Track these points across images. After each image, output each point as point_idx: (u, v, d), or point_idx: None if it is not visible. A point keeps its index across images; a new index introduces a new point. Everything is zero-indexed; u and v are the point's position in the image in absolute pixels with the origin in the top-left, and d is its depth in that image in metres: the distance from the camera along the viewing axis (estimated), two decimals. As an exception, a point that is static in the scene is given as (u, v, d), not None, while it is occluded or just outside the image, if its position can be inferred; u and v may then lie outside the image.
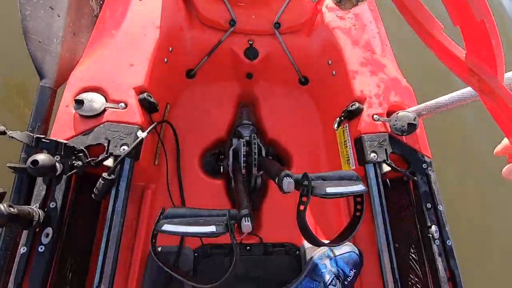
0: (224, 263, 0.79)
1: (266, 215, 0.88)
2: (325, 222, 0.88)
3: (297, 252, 0.83)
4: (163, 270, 0.76)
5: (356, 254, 0.78)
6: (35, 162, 0.55)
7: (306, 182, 0.52)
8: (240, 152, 0.82)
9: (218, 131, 0.94)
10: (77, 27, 0.78)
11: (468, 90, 0.65)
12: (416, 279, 0.75)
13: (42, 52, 0.68)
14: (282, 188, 0.53)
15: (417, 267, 0.75)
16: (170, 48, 0.81)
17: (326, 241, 0.59)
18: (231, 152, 0.83)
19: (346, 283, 0.75)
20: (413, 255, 0.76)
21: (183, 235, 0.54)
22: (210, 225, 0.47)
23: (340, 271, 0.75)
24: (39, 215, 0.56)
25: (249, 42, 0.89)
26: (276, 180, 0.56)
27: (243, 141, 0.87)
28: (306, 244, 0.84)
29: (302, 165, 0.93)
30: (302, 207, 0.53)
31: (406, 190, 0.78)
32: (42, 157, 0.56)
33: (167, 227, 0.48)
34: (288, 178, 0.52)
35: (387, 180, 0.80)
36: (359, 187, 0.55)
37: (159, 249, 0.78)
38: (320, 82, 0.94)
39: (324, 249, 0.78)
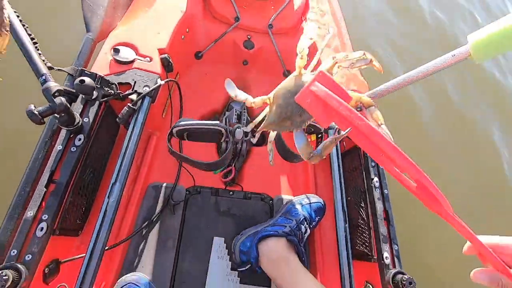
0: (210, 200, 0.95)
1: (247, 172, 1.07)
2: (294, 177, 1.08)
3: (271, 201, 1.01)
4: (158, 201, 0.92)
5: (322, 204, 0.97)
6: (82, 80, 0.73)
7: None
8: (232, 120, 1.03)
9: (215, 103, 1.16)
10: (117, 3, 1.00)
11: (395, 81, 0.90)
12: (361, 221, 0.95)
13: (91, 12, 0.89)
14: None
15: (362, 212, 0.95)
16: (187, 29, 1.04)
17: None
18: (224, 120, 1.04)
19: (311, 226, 0.93)
20: (361, 204, 0.97)
21: (195, 127, 0.67)
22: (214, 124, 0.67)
23: (308, 215, 0.92)
24: (78, 121, 0.73)
25: (248, 36, 1.15)
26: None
27: (235, 112, 1.08)
28: (276, 197, 1.02)
29: (280, 136, 1.15)
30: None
31: (358, 155, 1.01)
32: (87, 79, 0.75)
33: (182, 122, 0.66)
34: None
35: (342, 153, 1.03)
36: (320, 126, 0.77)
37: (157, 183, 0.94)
38: (299, 74, 1.19)
39: (297, 198, 0.96)
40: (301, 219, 0.90)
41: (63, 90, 0.67)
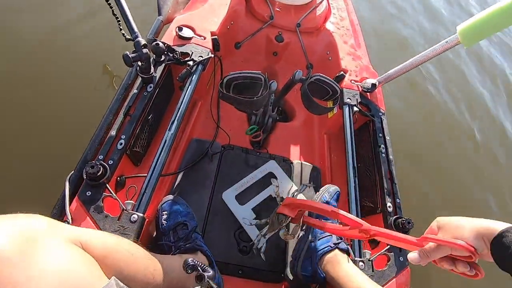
0: (241, 156, 1.14)
1: (272, 141, 1.26)
2: (311, 147, 1.26)
3: (291, 163, 1.18)
4: (199, 152, 1.11)
5: (339, 191, 0.99)
6: (157, 44, 0.97)
7: (309, 72, 0.93)
8: None
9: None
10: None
11: (400, 66, 1.10)
12: (368, 182, 1.10)
13: (163, 1, 1.16)
14: (295, 77, 0.94)
15: (369, 174, 1.11)
16: (232, 22, 1.30)
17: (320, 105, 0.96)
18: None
19: None
20: (368, 168, 1.13)
21: (241, 75, 0.88)
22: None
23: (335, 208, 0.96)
24: (151, 72, 0.96)
25: (279, 32, 1.39)
26: (291, 78, 0.97)
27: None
28: (295, 161, 1.19)
29: (301, 114, 1.35)
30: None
31: (367, 130, 1.18)
32: (161, 44, 0.98)
33: (232, 72, 0.87)
34: (298, 71, 0.93)
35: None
36: (337, 88, 0.97)
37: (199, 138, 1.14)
38: (320, 66, 1.41)
39: (320, 196, 0.96)
40: (335, 221, 0.90)
41: (148, 45, 0.91)
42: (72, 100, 1.47)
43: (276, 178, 1.10)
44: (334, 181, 1.20)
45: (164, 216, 0.88)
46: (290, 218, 0.86)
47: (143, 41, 0.89)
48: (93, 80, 1.58)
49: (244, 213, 1.01)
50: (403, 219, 0.91)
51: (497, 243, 0.45)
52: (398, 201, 1.00)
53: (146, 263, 0.63)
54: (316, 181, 1.17)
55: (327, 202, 0.98)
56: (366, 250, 0.93)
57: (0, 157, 1.26)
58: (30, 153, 1.29)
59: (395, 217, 0.95)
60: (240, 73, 0.87)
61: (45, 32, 1.62)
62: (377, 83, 1.18)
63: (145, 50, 0.88)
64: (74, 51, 1.62)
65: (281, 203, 0.89)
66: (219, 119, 1.22)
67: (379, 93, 1.23)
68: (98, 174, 0.76)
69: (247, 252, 0.96)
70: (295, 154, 1.25)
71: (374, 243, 1.02)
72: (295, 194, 1.03)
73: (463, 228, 0.50)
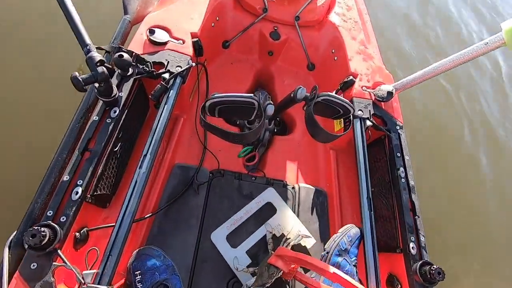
0: (233, 183, 0.96)
1: (270, 160, 1.07)
2: (315, 167, 1.08)
3: (293, 188, 1.00)
4: (182, 181, 0.93)
5: (362, 235, 0.83)
6: (121, 55, 0.76)
7: (315, 91, 0.74)
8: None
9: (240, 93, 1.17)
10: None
11: (424, 71, 0.90)
12: (385, 211, 0.93)
13: (129, -4, 0.93)
14: (297, 96, 0.74)
15: (386, 202, 0.94)
16: (217, 18, 1.07)
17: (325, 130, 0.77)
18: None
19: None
20: (385, 195, 0.96)
21: (228, 99, 0.69)
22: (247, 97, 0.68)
23: (355, 257, 0.80)
24: (114, 94, 0.76)
25: (274, 27, 1.17)
26: (292, 94, 0.77)
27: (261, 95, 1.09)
28: (298, 186, 1.02)
29: (303, 127, 1.15)
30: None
31: (383, 146, 1.00)
32: (125, 55, 0.77)
33: (216, 95, 0.67)
34: (301, 88, 0.74)
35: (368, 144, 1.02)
36: (350, 108, 0.77)
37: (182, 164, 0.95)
38: (324, 67, 1.20)
39: (337, 241, 0.80)
40: (355, 272, 0.78)
41: (105, 61, 0.70)
42: (19, 124, 1.20)
43: (275, 210, 0.93)
44: (344, 207, 1.03)
45: (138, 278, 0.71)
46: (282, 272, 0.70)
47: (97, 57, 0.68)
48: (53, 91, 1.32)
49: (237, 258, 0.84)
50: (433, 268, 0.75)
51: None
52: (423, 240, 0.83)
53: None
54: (323, 207, 1.00)
55: (346, 250, 0.81)
56: None
57: None
58: None
59: (421, 262, 0.78)
60: (227, 96, 0.67)
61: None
62: (393, 91, 0.98)
63: (101, 69, 0.67)
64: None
65: (273, 252, 0.73)
66: (206, 139, 1.03)
67: (395, 102, 1.03)
68: (43, 242, 0.58)
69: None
70: (296, 175, 1.07)
71: (391, 283, 0.87)
72: (290, 243, 0.86)
73: None
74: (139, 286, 0.70)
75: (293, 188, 1.01)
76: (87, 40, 0.69)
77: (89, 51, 0.68)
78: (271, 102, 0.70)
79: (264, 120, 0.69)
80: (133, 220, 0.70)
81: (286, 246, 0.81)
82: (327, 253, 0.79)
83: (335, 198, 1.04)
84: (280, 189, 0.98)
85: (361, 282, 0.76)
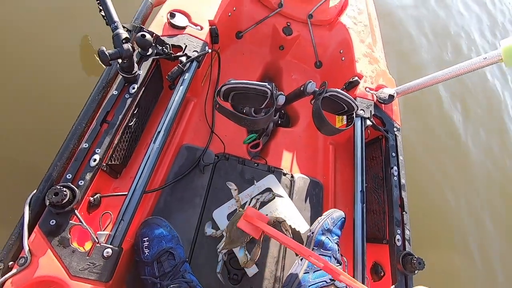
0: (236, 167, 1.01)
1: (272, 149, 1.13)
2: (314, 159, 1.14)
3: (292, 177, 1.06)
4: (189, 161, 0.98)
5: (344, 218, 0.91)
6: (143, 35, 0.80)
7: (324, 86, 0.79)
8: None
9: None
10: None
11: (424, 79, 0.96)
12: (376, 206, 1.00)
13: (153, -22, 0.97)
14: (306, 89, 0.79)
15: (378, 198, 1.01)
16: (234, 8, 1.11)
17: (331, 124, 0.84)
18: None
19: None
20: (377, 190, 1.02)
21: (244, 86, 0.73)
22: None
23: (337, 237, 0.88)
24: (135, 71, 0.80)
25: (287, 23, 1.21)
26: (302, 88, 0.82)
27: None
28: (296, 175, 1.07)
29: (306, 121, 1.21)
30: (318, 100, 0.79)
31: (379, 145, 1.06)
32: (147, 35, 0.81)
33: (232, 81, 0.72)
34: (311, 82, 0.79)
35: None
36: (355, 105, 0.83)
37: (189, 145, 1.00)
38: (331, 66, 1.26)
39: (321, 223, 0.88)
40: (336, 249, 0.85)
41: (130, 39, 0.74)
42: (39, 92, 1.21)
43: (274, 196, 0.99)
44: (338, 200, 1.09)
45: (146, 244, 0.76)
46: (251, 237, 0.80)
47: (124, 34, 0.72)
48: (68, 61, 1.35)
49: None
50: (414, 258, 0.82)
51: None
52: (408, 233, 0.90)
53: None
54: (318, 197, 1.06)
55: (329, 230, 0.88)
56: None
57: None
58: None
59: (404, 252, 0.85)
60: (242, 83, 0.72)
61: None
62: (395, 94, 1.04)
63: (126, 46, 0.72)
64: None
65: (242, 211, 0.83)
66: (214, 123, 1.07)
67: (395, 105, 1.09)
68: (64, 201, 0.63)
69: (238, 281, 0.87)
70: (296, 165, 1.13)
71: (376, 276, 0.94)
72: (257, 201, 0.94)
73: None
74: (146, 251, 0.75)
75: (292, 177, 1.06)
76: (115, 17, 0.72)
77: (116, 28, 0.72)
78: (282, 93, 0.76)
79: (274, 108, 0.74)
80: (144, 191, 0.75)
81: (284, 229, 0.87)
82: (312, 233, 0.86)
83: (330, 190, 1.10)
84: (279, 176, 1.04)
85: (340, 263, 0.83)
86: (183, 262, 0.75)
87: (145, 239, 0.76)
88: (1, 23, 1.29)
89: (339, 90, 0.81)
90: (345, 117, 0.97)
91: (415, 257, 0.82)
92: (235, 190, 0.95)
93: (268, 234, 0.74)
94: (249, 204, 0.95)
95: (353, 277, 0.82)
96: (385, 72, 1.15)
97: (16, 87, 1.22)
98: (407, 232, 0.90)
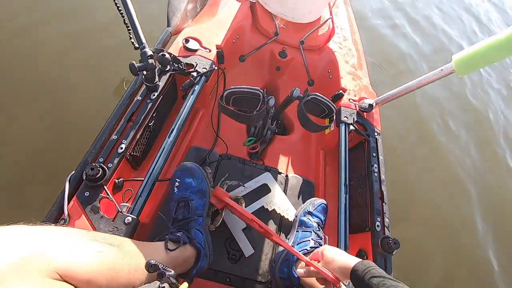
0: (237, 166, 1.17)
1: (269, 153, 1.29)
2: (307, 163, 1.29)
3: (286, 176, 1.21)
4: (197, 159, 1.15)
5: (325, 204, 1.06)
6: (164, 54, 1.02)
7: (306, 91, 0.97)
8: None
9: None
10: (189, 12, 1.34)
11: (398, 89, 1.13)
12: (360, 200, 1.12)
13: (173, 13, 1.22)
14: (293, 94, 0.98)
15: (361, 192, 1.13)
16: (237, 36, 1.35)
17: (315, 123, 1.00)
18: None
19: (322, 226, 1.05)
20: (361, 187, 1.15)
21: (241, 90, 0.92)
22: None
23: (318, 219, 1.02)
24: (156, 81, 1.00)
25: (283, 48, 1.44)
26: (289, 95, 1.00)
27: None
28: (290, 175, 1.22)
29: (299, 129, 1.38)
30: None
31: (362, 148, 1.21)
32: (167, 54, 1.03)
33: (232, 87, 0.91)
34: (296, 89, 0.97)
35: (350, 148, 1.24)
36: (333, 107, 1.00)
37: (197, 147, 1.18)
38: (321, 83, 1.45)
39: (303, 208, 1.03)
40: (316, 226, 0.98)
41: (154, 56, 0.95)
42: (83, 105, 1.54)
43: (269, 190, 1.13)
44: (327, 196, 1.22)
45: (176, 184, 0.89)
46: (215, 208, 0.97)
47: (149, 52, 0.93)
48: (106, 87, 1.64)
49: (235, 222, 1.04)
50: (390, 239, 0.93)
51: (353, 276, 0.63)
52: (387, 221, 1.01)
53: (129, 277, 0.58)
54: (310, 195, 1.19)
55: (310, 213, 1.01)
56: None
57: (11, 153, 1.32)
58: (40, 148, 1.37)
59: (382, 236, 0.97)
60: (240, 88, 0.91)
61: (69, 37, 1.71)
62: (374, 104, 1.21)
63: (150, 61, 0.93)
64: (92, 63, 1.70)
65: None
66: (219, 129, 1.26)
67: (376, 114, 1.26)
68: (97, 176, 0.80)
69: (236, 261, 0.99)
70: (290, 167, 1.28)
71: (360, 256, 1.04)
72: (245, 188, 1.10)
73: (334, 262, 0.70)
74: (175, 190, 0.89)
75: (286, 176, 1.21)
76: (143, 40, 0.94)
77: (143, 47, 0.94)
78: (272, 96, 0.94)
79: (266, 107, 0.92)
80: (156, 179, 0.91)
81: (240, 203, 1.02)
82: (296, 216, 1.01)
83: (321, 189, 1.23)
84: (275, 175, 1.19)
85: (320, 237, 0.95)
86: (197, 216, 0.83)
87: (178, 180, 0.89)
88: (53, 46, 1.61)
89: (318, 93, 0.99)
90: (328, 119, 1.14)
91: (391, 238, 0.93)
92: (210, 173, 1.09)
93: (228, 205, 0.94)
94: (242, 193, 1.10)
95: None
96: (367, 87, 1.33)
97: (61, 98, 1.47)
98: (386, 220, 1.02)
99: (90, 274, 0.48)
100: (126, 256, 0.59)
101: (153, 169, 0.91)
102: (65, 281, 0.44)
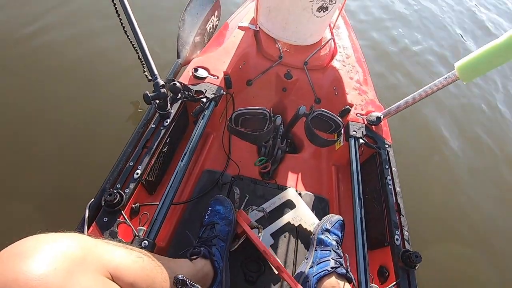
0: (249, 186, 1.18)
1: (281, 172, 1.30)
2: (319, 179, 1.29)
3: (299, 193, 1.21)
4: (209, 182, 1.17)
5: (342, 220, 1.06)
6: (175, 83, 1.09)
7: (312, 108, 0.99)
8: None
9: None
10: (197, 44, 1.43)
11: (404, 101, 1.14)
12: (376, 214, 1.10)
13: (182, 46, 1.31)
14: (299, 112, 1.00)
15: (377, 206, 1.11)
16: (244, 62, 1.42)
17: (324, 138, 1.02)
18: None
19: (341, 243, 1.04)
20: (376, 200, 1.13)
21: (248, 111, 0.98)
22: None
23: (336, 237, 1.01)
24: (168, 109, 1.06)
25: (288, 70, 1.49)
26: (296, 113, 1.03)
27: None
28: (303, 192, 1.22)
29: (309, 146, 1.39)
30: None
31: (374, 162, 1.20)
32: (177, 83, 1.10)
33: (240, 109, 0.95)
34: (302, 106, 1.00)
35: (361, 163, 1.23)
36: (339, 122, 1.02)
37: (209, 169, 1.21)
38: (328, 100, 1.48)
39: (321, 225, 1.03)
40: (335, 245, 0.97)
41: (165, 85, 1.02)
42: (100, 136, 1.64)
43: (294, 206, 1.13)
44: (342, 212, 1.20)
45: (208, 212, 0.97)
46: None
47: (161, 82, 1.00)
48: (121, 114, 1.74)
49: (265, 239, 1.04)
50: (411, 252, 0.90)
51: None
52: (407, 234, 0.98)
53: (162, 287, 0.61)
54: (325, 212, 1.18)
55: (328, 230, 1.00)
56: (373, 285, 0.91)
57: (35, 180, 1.40)
58: (60, 178, 1.44)
59: (403, 250, 0.93)
60: (247, 109, 0.95)
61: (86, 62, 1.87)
62: (382, 116, 1.22)
63: (162, 90, 0.99)
64: (106, 89, 1.82)
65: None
66: (230, 151, 1.29)
67: (385, 126, 1.26)
68: (115, 201, 0.83)
69: (253, 283, 0.97)
70: (303, 184, 1.27)
71: (383, 278, 1.00)
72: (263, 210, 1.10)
73: None
74: (206, 217, 0.97)
75: (300, 193, 1.21)
76: (155, 71, 1.02)
77: (156, 78, 1.01)
78: (279, 115, 0.97)
79: (273, 126, 0.95)
80: (171, 203, 0.94)
81: (257, 233, 1.01)
82: (314, 234, 0.99)
83: (335, 206, 1.22)
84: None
85: (340, 256, 0.93)
86: (219, 238, 0.89)
87: (210, 208, 0.98)
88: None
89: (323, 109, 1.01)
90: (336, 134, 1.15)
91: (412, 252, 0.90)
92: (237, 194, 1.11)
93: (245, 231, 0.96)
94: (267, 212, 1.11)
95: (357, 277, 0.90)
96: (373, 101, 1.35)
97: (82, 124, 1.56)
98: (405, 233, 0.99)
99: (134, 277, 0.51)
100: (158, 266, 0.62)
101: (167, 192, 0.94)
102: (113, 281, 0.47)
